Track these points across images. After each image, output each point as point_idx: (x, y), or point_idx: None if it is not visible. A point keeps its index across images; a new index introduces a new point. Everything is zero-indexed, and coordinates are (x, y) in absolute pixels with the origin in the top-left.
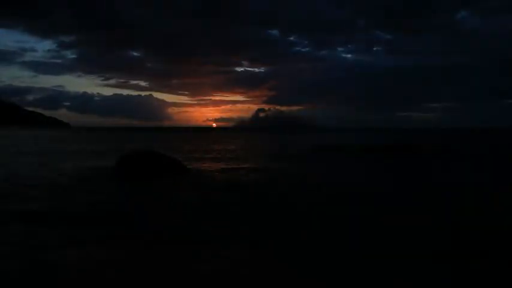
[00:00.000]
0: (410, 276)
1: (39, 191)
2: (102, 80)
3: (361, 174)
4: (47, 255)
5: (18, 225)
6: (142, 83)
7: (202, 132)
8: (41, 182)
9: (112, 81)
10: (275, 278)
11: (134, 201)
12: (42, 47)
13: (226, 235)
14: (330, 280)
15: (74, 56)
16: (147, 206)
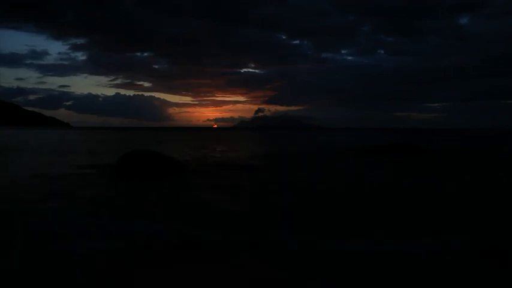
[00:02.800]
0: None
1: (37, 191)
2: (108, 81)
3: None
4: None
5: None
6: (147, 84)
7: (203, 131)
8: (39, 182)
9: (117, 82)
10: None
11: (134, 204)
12: (53, 49)
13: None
14: None
15: (82, 58)
16: (147, 208)
